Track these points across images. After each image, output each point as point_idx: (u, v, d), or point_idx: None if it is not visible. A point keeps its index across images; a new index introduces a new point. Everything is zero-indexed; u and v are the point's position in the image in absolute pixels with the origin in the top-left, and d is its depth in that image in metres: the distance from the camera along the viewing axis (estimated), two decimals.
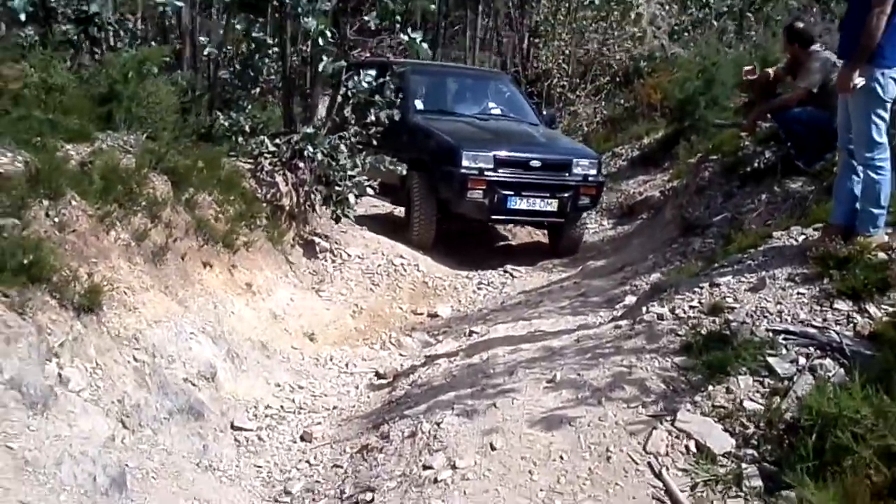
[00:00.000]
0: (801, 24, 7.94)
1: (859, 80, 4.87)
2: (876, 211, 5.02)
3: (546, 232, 10.68)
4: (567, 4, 17.19)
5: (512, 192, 9.31)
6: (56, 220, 5.08)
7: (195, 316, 5.84)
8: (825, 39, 9.76)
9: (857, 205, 5.11)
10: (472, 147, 9.36)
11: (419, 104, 10.54)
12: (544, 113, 11.98)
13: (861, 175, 5.06)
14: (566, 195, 9.47)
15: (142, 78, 7.12)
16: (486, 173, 9.23)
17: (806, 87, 7.37)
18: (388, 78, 9.03)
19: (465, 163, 9.19)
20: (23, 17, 7.33)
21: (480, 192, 9.22)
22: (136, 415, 4.61)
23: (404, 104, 9.70)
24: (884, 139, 4.98)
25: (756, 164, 8.18)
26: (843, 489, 3.40)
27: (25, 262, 4.45)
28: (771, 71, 8.07)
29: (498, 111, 11.14)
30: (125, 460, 4.27)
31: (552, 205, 9.47)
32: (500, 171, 9.30)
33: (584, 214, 10.29)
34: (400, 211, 10.19)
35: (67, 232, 5.09)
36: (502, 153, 9.41)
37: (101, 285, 4.93)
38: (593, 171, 9.75)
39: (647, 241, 9.02)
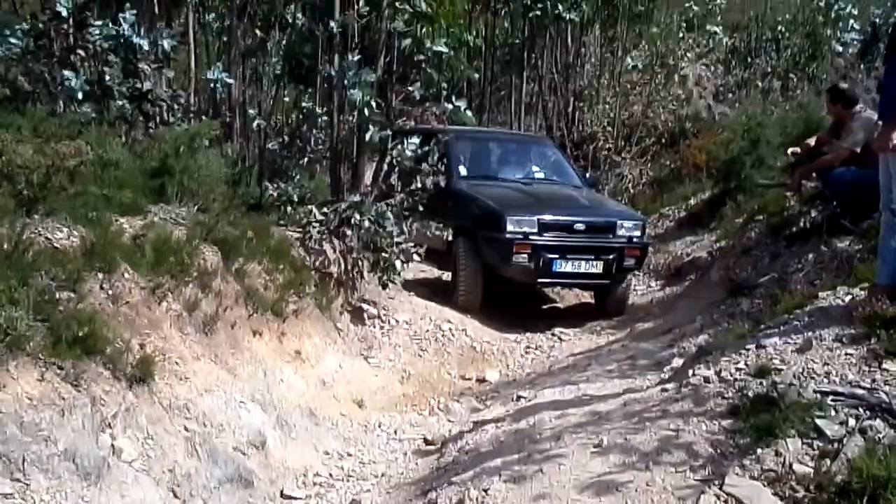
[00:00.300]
0: (844, 85, 8.03)
1: None
2: None
3: (592, 293, 10.66)
4: (611, 69, 17.37)
5: (557, 256, 9.39)
6: (110, 292, 5.21)
7: (245, 384, 5.92)
8: (873, 96, 9.76)
9: None
10: (516, 212, 9.46)
11: (463, 170, 10.64)
12: (588, 175, 12.20)
13: None
14: (611, 257, 9.52)
15: (193, 151, 7.33)
16: (530, 237, 9.32)
17: (849, 146, 7.39)
18: (432, 145, 9.15)
19: (509, 227, 9.29)
20: (80, 95, 7.63)
21: (526, 255, 9.29)
22: (186, 484, 4.66)
23: (448, 171, 9.83)
24: None
25: (802, 224, 8.17)
26: None
27: (80, 334, 4.55)
28: (811, 141, 8.13)
29: (541, 175, 11.27)
30: None
31: (597, 267, 9.51)
32: (544, 234, 9.39)
33: (630, 276, 10.32)
34: (447, 275, 10.23)
35: (121, 304, 5.22)
36: (546, 217, 9.48)
37: (152, 356, 5.04)
38: (637, 233, 9.81)
39: (694, 302, 8.97)
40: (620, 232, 9.68)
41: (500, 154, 11.66)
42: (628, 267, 9.82)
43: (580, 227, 9.57)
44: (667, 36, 18.46)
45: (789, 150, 8.63)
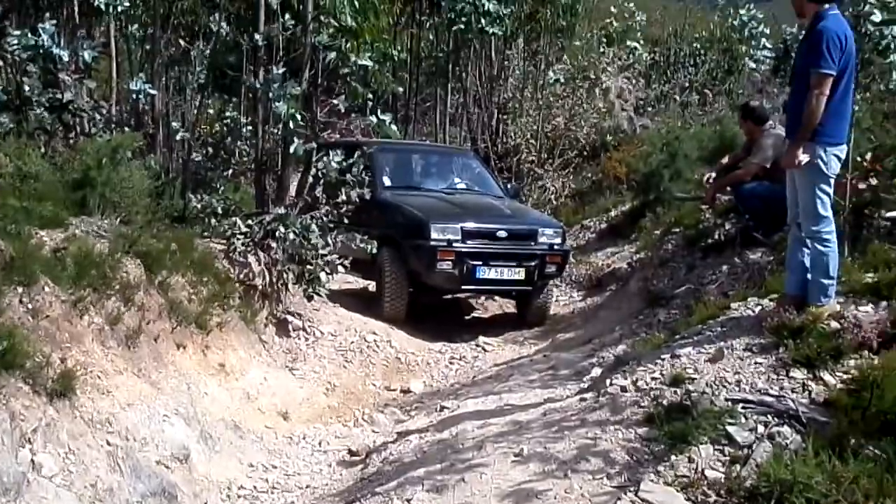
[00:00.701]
0: (755, 104, 8.33)
1: (804, 157, 5.09)
2: (826, 281, 5.20)
3: (515, 303, 10.75)
4: (534, 82, 17.59)
5: (480, 262, 9.44)
6: (29, 306, 5.15)
7: (168, 398, 5.88)
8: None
9: (808, 276, 5.29)
10: (440, 220, 9.57)
11: (387, 181, 10.68)
12: (510, 186, 12.37)
13: (810, 247, 5.25)
14: (532, 264, 9.62)
15: (115, 163, 7.25)
16: (454, 244, 9.38)
17: (759, 162, 7.65)
18: (357, 157, 9.17)
19: (433, 235, 9.37)
20: None
21: (450, 262, 9.34)
22: (109, 499, 4.62)
23: (373, 181, 9.84)
24: (828, 213, 5.19)
25: (717, 236, 8.40)
26: None
27: None
28: (724, 160, 8.41)
29: (463, 185, 11.36)
30: None
31: (519, 273, 9.61)
32: (468, 241, 9.46)
33: (551, 284, 10.40)
34: (373, 286, 10.24)
35: (41, 318, 5.15)
36: (469, 225, 9.60)
37: (74, 370, 4.98)
38: (558, 240, 9.95)
39: (614, 312, 9.14)
40: (542, 239, 9.82)
41: (423, 165, 11.77)
42: (550, 273, 9.94)
43: (502, 234, 9.67)
44: (588, 50, 18.79)
45: (705, 178, 8.86)
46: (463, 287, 9.99)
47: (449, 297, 10.89)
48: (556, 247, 9.88)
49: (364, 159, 9.41)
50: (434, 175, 11.52)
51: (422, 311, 9.90)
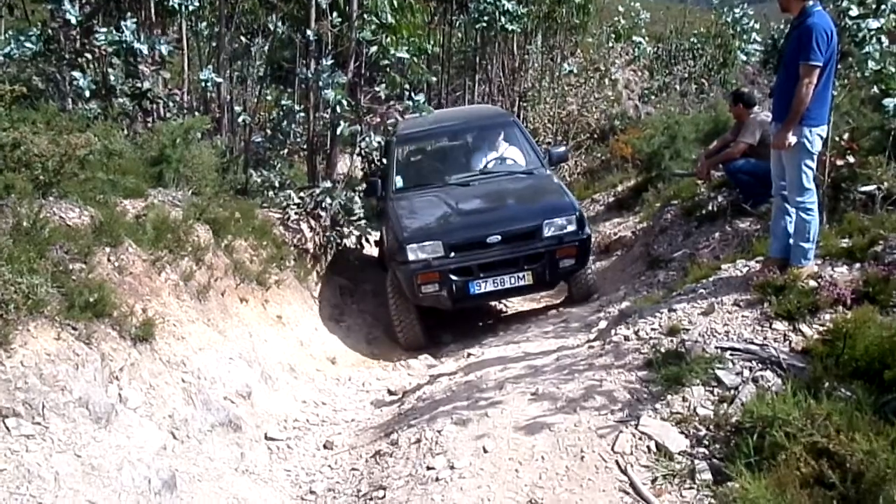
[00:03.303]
0: (745, 90, 8.26)
1: (793, 139, 5.04)
2: (806, 246, 5.17)
3: None
4: (551, 73, 17.48)
5: (471, 277, 7.43)
6: (116, 264, 5.24)
7: (234, 344, 5.97)
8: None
9: (791, 241, 5.26)
10: (417, 238, 7.52)
11: (399, 181, 8.56)
12: (552, 152, 9.06)
13: (793, 215, 5.21)
14: (538, 264, 7.49)
15: (187, 143, 7.33)
16: (434, 263, 7.41)
17: (747, 142, 7.58)
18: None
19: (410, 257, 7.43)
20: (87, 93, 7.59)
21: (435, 284, 7.42)
22: (183, 427, 4.71)
23: (385, 182, 8.50)
24: (812, 185, 5.15)
25: (710, 207, 8.33)
26: (777, 479, 3.52)
27: (91, 300, 4.59)
28: (716, 142, 8.31)
29: (494, 163, 8.79)
30: (175, 466, 4.37)
31: (525, 278, 7.50)
32: (453, 255, 7.44)
33: (591, 262, 8.35)
34: None
35: (125, 274, 5.25)
36: (453, 238, 7.50)
37: (153, 319, 5.07)
38: (572, 228, 7.56)
39: (620, 274, 9.10)
40: (549, 233, 7.49)
41: (448, 148, 9.32)
42: (566, 268, 7.69)
43: (494, 239, 7.44)
44: (599, 45, 18.64)
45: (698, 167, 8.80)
46: (458, 306, 7.72)
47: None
48: (566, 238, 7.52)
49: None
50: (459, 158, 9.05)
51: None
